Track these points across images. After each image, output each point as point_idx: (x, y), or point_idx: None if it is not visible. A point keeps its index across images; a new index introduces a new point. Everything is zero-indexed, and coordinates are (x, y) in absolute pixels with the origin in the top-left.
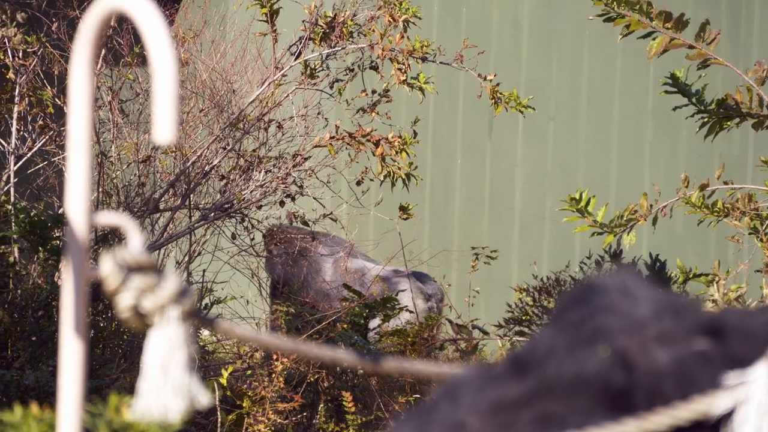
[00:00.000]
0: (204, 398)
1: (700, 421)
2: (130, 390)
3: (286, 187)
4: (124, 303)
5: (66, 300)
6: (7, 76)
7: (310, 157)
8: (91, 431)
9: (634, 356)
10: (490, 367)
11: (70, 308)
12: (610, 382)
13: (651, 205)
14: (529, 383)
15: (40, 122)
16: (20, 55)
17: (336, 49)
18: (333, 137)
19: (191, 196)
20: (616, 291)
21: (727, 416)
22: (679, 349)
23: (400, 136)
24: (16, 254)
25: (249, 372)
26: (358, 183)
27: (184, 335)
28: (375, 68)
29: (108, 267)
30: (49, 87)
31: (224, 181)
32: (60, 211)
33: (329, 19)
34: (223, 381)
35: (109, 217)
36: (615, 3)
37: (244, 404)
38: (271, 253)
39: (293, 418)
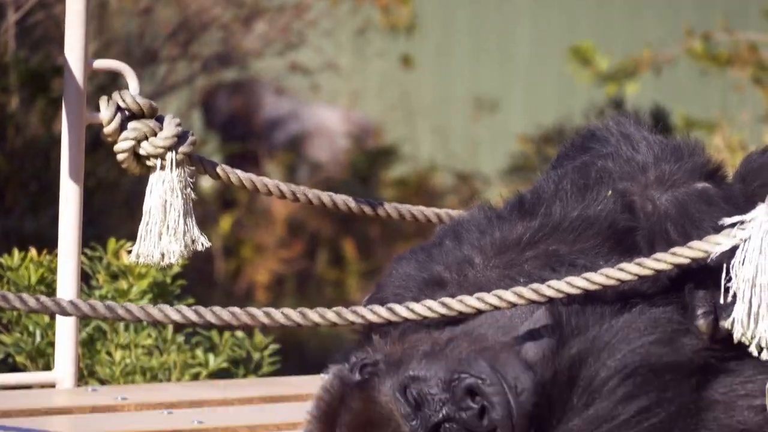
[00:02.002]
0: (203, 242)
1: (701, 260)
2: (130, 237)
3: (287, 37)
4: (122, 147)
5: (64, 145)
6: None
7: (311, 7)
8: (90, 275)
9: (636, 199)
10: (495, 209)
11: (68, 153)
12: (613, 223)
13: (655, 55)
14: (534, 223)
15: None
16: None
17: None
18: None
19: (191, 46)
20: (617, 136)
21: (727, 256)
22: (680, 191)
23: None
24: (16, 104)
25: (249, 220)
26: (360, 34)
27: (183, 180)
28: None
29: (107, 112)
30: None
31: (224, 31)
32: (59, 62)
33: None
34: (224, 228)
35: (107, 63)
36: None
37: (243, 252)
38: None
39: (293, 267)
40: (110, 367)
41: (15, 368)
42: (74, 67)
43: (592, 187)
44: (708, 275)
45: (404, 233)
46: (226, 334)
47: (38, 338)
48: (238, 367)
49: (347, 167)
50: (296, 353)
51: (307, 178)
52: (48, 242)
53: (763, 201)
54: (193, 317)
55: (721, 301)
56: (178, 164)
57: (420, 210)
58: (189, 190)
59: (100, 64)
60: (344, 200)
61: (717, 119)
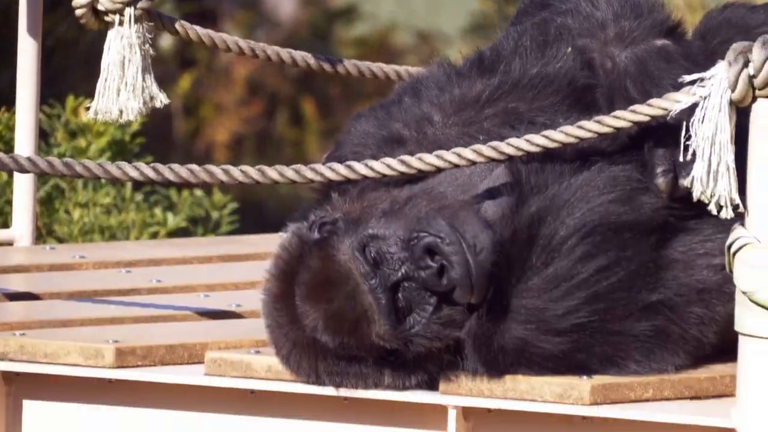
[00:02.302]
0: (161, 99)
1: (660, 118)
2: (89, 95)
3: None
4: (80, 2)
5: (22, 1)
6: None
7: None
8: (49, 133)
9: (595, 56)
10: (454, 66)
11: (26, 9)
12: (573, 80)
13: None
14: (494, 81)
15: None
16: None
17: None
18: None
19: None
20: None
21: (686, 113)
22: (640, 48)
23: None
24: None
25: (208, 80)
26: None
27: (141, 36)
28: None
29: None
30: None
31: None
32: None
33: None
34: (183, 87)
35: None
36: None
37: (203, 112)
38: None
39: (253, 127)
40: (68, 226)
41: None
42: None
43: (551, 43)
44: (667, 133)
45: (364, 92)
46: (185, 193)
47: None
48: (197, 225)
49: (306, 27)
50: (255, 212)
51: (266, 38)
52: (7, 102)
53: (722, 58)
54: (152, 174)
55: (681, 159)
56: (137, 20)
57: (379, 67)
58: (147, 46)
59: None
60: (303, 57)
61: None
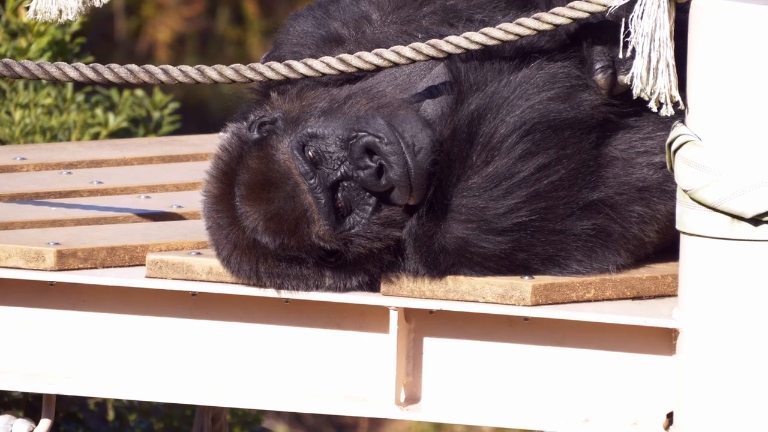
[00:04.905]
0: None
1: (599, 15)
2: None
3: None
4: None
5: None
6: None
7: None
8: None
9: None
10: None
11: None
12: None
13: None
14: None
15: None
16: None
17: None
18: None
19: None
20: None
21: (625, 10)
22: None
23: None
24: None
25: None
26: None
27: None
28: None
29: None
30: None
31: None
32: None
33: None
34: None
35: None
36: None
37: (144, 11)
38: None
39: (195, 25)
40: (9, 127)
41: None
42: None
43: None
44: (606, 30)
45: None
46: (126, 93)
47: None
48: (138, 126)
49: None
50: (197, 112)
51: None
52: None
53: None
54: (91, 75)
55: (620, 55)
56: None
57: None
58: None
59: None
60: None
61: None
